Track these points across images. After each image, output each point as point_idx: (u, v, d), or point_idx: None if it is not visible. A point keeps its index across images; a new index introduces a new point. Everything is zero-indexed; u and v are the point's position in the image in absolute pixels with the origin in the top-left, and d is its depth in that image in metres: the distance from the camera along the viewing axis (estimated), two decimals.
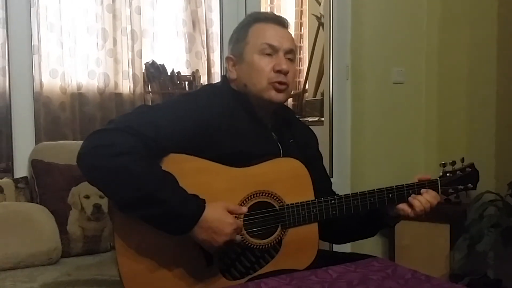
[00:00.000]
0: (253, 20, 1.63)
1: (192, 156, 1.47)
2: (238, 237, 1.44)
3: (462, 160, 1.67)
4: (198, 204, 1.39)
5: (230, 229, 1.40)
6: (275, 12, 5.34)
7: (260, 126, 1.62)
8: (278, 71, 1.57)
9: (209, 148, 1.48)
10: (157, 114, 1.48)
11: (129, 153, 1.35)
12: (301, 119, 3.49)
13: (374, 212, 1.66)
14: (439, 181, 1.63)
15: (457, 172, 1.65)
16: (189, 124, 1.47)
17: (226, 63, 1.66)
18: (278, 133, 1.66)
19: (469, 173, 1.65)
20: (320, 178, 1.70)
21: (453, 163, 1.65)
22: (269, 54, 1.58)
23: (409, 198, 1.59)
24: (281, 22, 1.64)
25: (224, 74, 1.70)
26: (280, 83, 1.58)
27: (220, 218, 1.39)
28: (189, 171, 1.45)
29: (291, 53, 1.62)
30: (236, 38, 1.64)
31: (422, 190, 1.61)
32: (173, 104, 1.57)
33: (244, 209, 1.46)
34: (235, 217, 1.44)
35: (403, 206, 1.60)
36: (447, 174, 1.64)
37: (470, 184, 1.66)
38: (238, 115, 1.58)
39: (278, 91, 1.59)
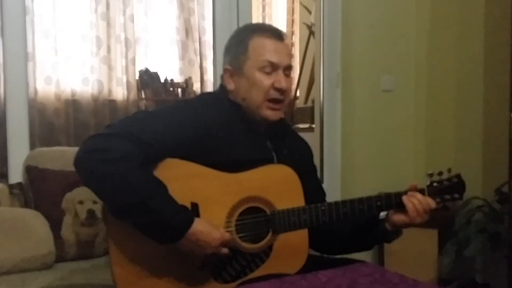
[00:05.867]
0: (252, 32, 1.63)
1: (186, 161, 1.49)
2: (225, 250, 1.46)
3: (449, 170, 1.65)
4: (187, 217, 1.41)
5: (216, 243, 1.42)
6: (267, 21, 5.39)
7: (256, 135, 1.64)
8: (277, 89, 1.60)
9: (204, 155, 1.51)
10: (154, 120, 1.50)
11: (125, 159, 1.38)
12: (291, 126, 3.54)
13: (372, 226, 1.66)
14: (426, 190, 1.62)
15: (444, 182, 1.63)
16: (185, 131, 1.49)
17: (224, 74, 1.66)
18: (273, 143, 1.68)
19: (455, 184, 1.64)
20: (314, 190, 1.71)
21: (440, 173, 1.64)
22: (268, 72, 1.59)
23: (403, 198, 1.58)
24: (279, 36, 1.63)
25: (222, 83, 1.70)
26: (277, 101, 1.61)
27: (207, 232, 1.42)
28: (183, 176, 1.48)
29: (289, 69, 1.64)
30: (234, 50, 1.64)
31: None
32: (171, 111, 1.59)
33: (227, 235, 1.47)
34: (226, 226, 1.48)
35: (398, 216, 1.60)
36: (434, 184, 1.63)
37: (456, 194, 1.64)
38: (234, 124, 1.60)
39: (274, 109, 1.61)
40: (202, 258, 1.45)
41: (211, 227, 1.43)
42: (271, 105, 1.61)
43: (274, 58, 1.59)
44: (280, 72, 1.60)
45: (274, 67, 1.60)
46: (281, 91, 1.60)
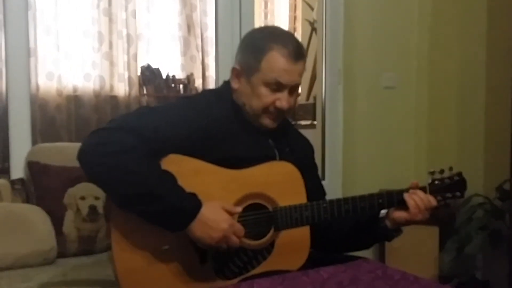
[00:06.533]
0: (272, 43, 1.57)
1: (188, 157, 1.50)
2: (235, 239, 1.45)
3: (451, 168, 1.66)
4: (196, 201, 1.42)
5: (226, 225, 1.42)
6: (269, 17, 5.39)
7: (258, 133, 1.64)
8: (278, 108, 1.59)
9: (206, 152, 1.51)
10: (157, 116, 1.51)
11: (129, 151, 1.39)
12: (293, 122, 3.54)
13: (373, 224, 1.67)
14: (427, 188, 1.63)
15: (445, 180, 1.64)
16: (187, 128, 1.50)
17: (231, 72, 1.64)
18: (275, 141, 1.68)
19: (457, 182, 1.65)
20: (314, 187, 1.72)
21: (442, 171, 1.65)
22: (274, 89, 1.58)
23: (404, 195, 1.59)
24: (298, 55, 1.58)
25: (226, 80, 1.69)
26: (276, 115, 1.61)
27: (216, 214, 1.42)
28: (186, 171, 1.48)
29: (296, 87, 1.63)
30: (249, 56, 1.60)
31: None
32: (173, 107, 1.60)
33: (239, 208, 1.49)
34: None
35: (399, 213, 1.61)
36: (436, 182, 1.64)
37: (458, 193, 1.65)
38: (236, 121, 1.61)
39: (273, 119, 1.62)
40: (212, 244, 1.44)
41: (221, 210, 1.44)
42: (270, 115, 1.61)
43: (283, 79, 1.57)
44: (285, 92, 1.59)
45: (280, 86, 1.58)
46: (280, 110, 1.60)
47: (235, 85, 1.63)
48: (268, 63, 1.56)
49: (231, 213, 1.46)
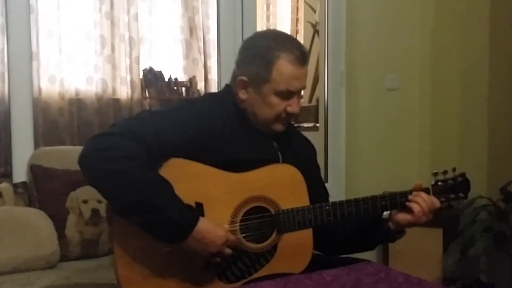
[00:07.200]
0: (278, 51, 1.55)
1: (191, 161, 1.50)
2: (228, 251, 1.46)
3: (454, 169, 1.66)
4: (193, 215, 1.42)
5: (221, 241, 1.43)
6: (271, 20, 5.39)
7: (262, 135, 1.64)
8: (289, 113, 1.60)
9: (209, 155, 1.51)
10: (159, 120, 1.50)
11: (130, 158, 1.39)
12: (296, 125, 3.54)
13: (376, 225, 1.66)
14: (431, 189, 1.62)
15: (449, 181, 1.64)
16: (189, 132, 1.50)
17: (238, 84, 1.61)
18: (278, 143, 1.68)
19: (460, 183, 1.64)
20: (317, 189, 1.72)
21: (445, 172, 1.64)
22: (285, 97, 1.58)
23: (407, 203, 1.59)
24: (304, 59, 1.59)
25: (227, 83, 1.68)
26: (286, 119, 1.63)
27: (213, 230, 1.43)
28: (188, 175, 1.48)
29: (303, 89, 1.64)
30: (256, 67, 1.57)
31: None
32: (175, 111, 1.59)
33: (233, 237, 1.48)
34: (231, 226, 1.49)
35: (402, 216, 1.60)
36: (439, 183, 1.63)
37: (461, 194, 1.65)
38: (239, 124, 1.60)
39: (284, 124, 1.63)
40: (206, 258, 1.46)
41: (216, 226, 1.44)
42: (282, 121, 1.62)
43: (294, 87, 1.57)
44: (295, 97, 1.60)
45: (291, 94, 1.58)
46: (291, 114, 1.61)
47: (242, 95, 1.61)
48: (279, 73, 1.55)
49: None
